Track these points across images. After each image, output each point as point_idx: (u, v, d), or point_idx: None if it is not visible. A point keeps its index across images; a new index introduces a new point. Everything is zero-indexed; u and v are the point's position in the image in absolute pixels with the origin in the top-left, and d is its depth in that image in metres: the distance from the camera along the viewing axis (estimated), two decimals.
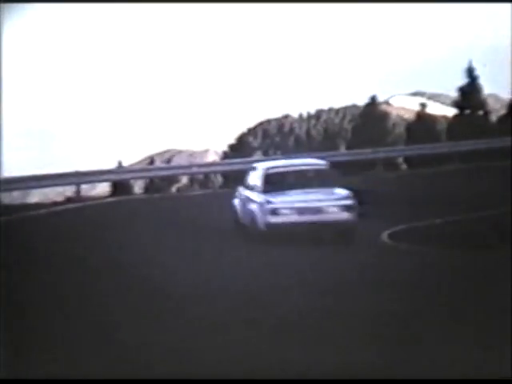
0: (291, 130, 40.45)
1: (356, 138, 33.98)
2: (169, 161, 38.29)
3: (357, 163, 28.44)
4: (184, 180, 28.80)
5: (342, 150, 32.57)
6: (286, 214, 15.99)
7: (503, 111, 37.62)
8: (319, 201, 16.13)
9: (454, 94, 38.32)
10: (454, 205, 19.97)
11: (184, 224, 18.82)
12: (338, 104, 47.77)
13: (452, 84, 38.31)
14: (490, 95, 39.10)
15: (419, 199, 21.41)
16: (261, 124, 43.45)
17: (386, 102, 44.11)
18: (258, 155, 33.01)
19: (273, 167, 17.51)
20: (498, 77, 41.03)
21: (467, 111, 37.09)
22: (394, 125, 39.51)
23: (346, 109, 44.09)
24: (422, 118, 38.10)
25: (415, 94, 48.96)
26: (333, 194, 16.21)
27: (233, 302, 10.24)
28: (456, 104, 38.03)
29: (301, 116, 45.22)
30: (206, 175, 28.15)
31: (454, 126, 35.89)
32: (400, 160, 30.44)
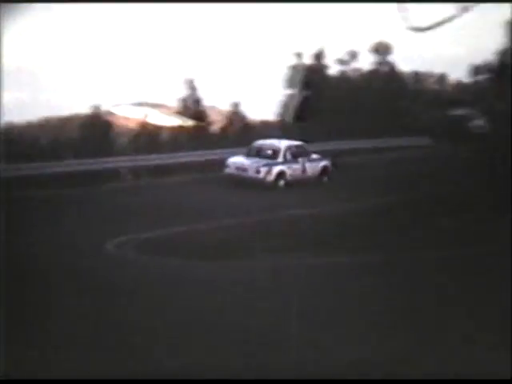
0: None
1: (82, 148, 33.83)
2: None
3: (86, 173, 28.46)
4: None
5: (70, 160, 32.13)
6: (230, 168, 27.24)
7: (224, 123, 39.29)
8: (247, 164, 26.95)
9: (176, 104, 39.34)
10: (186, 214, 20.75)
11: None
12: (64, 112, 46.88)
13: (174, 94, 39.30)
14: (211, 107, 40.59)
15: (148, 209, 21.98)
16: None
17: (110, 112, 44.23)
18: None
19: (254, 144, 28.09)
20: (218, 89, 42.79)
21: (189, 122, 38.32)
22: (118, 134, 39.68)
23: (71, 117, 43.67)
24: (146, 127, 38.65)
25: (139, 103, 49.62)
26: (258, 162, 26.83)
27: None
28: (178, 114, 39.06)
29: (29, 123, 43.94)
30: None
31: (177, 137, 36.90)
32: (124, 171, 30.72)
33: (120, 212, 21.56)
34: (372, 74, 40.86)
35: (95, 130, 36.77)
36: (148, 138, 36.31)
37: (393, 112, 37.76)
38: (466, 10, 11.81)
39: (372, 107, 37.02)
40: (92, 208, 22.36)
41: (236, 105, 38.81)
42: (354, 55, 40.52)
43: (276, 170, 26.93)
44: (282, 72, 39.50)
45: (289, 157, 27.43)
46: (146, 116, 39.65)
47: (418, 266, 13.89)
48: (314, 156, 28.40)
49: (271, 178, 26.74)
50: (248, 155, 27.64)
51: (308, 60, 39.88)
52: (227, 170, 27.38)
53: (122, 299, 11.59)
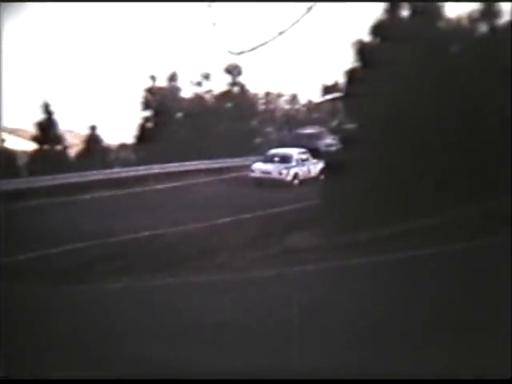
0: None
1: None
2: None
3: None
4: None
5: None
6: (255, 172, 32.77)
7: (81, 146, 39.52)
8: (271, 168, 32.70)
9: (32, 128, 39.15)
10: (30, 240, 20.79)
11: None
12: None
13: (30, 119, 39.23)
14: (67, 131, 40.78)
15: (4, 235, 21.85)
16: None
17: None
18: None
19: (270, 152, 34.23)
20: (75, 113, 43.03)
21: (46, 146, 38.35)
22: None
23: None
24: (3, 153, 38.27)
25: None
26: (280, 166, 32.70)
27: None
28: (35, 139, 38.95)
29: None
30: None
31: (34, 161, 36.80)
32: None
33: None
34: (224, 95, 42.15)
35: None
36: (5, 162, 36.08)
37: (244, 132, 39.40)
38: (281, 33, 12.57)
39: (224, 128, 38.53)
40: None
41: (93, 128, 39.23)
42: (206, 76, 41.74)
43: (293, 171, 33.21)
44: (137, 95, 40.41)
45: (299, 161, 33.65)
46: (2, 141, 39.36)
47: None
48: (314, 160, 33.93)
49: (289, 178, 32.88)
50: (265, 161, 33.65)
51: (161, 82, 40.92)
52: (252, 175, 33.03)
53: None
